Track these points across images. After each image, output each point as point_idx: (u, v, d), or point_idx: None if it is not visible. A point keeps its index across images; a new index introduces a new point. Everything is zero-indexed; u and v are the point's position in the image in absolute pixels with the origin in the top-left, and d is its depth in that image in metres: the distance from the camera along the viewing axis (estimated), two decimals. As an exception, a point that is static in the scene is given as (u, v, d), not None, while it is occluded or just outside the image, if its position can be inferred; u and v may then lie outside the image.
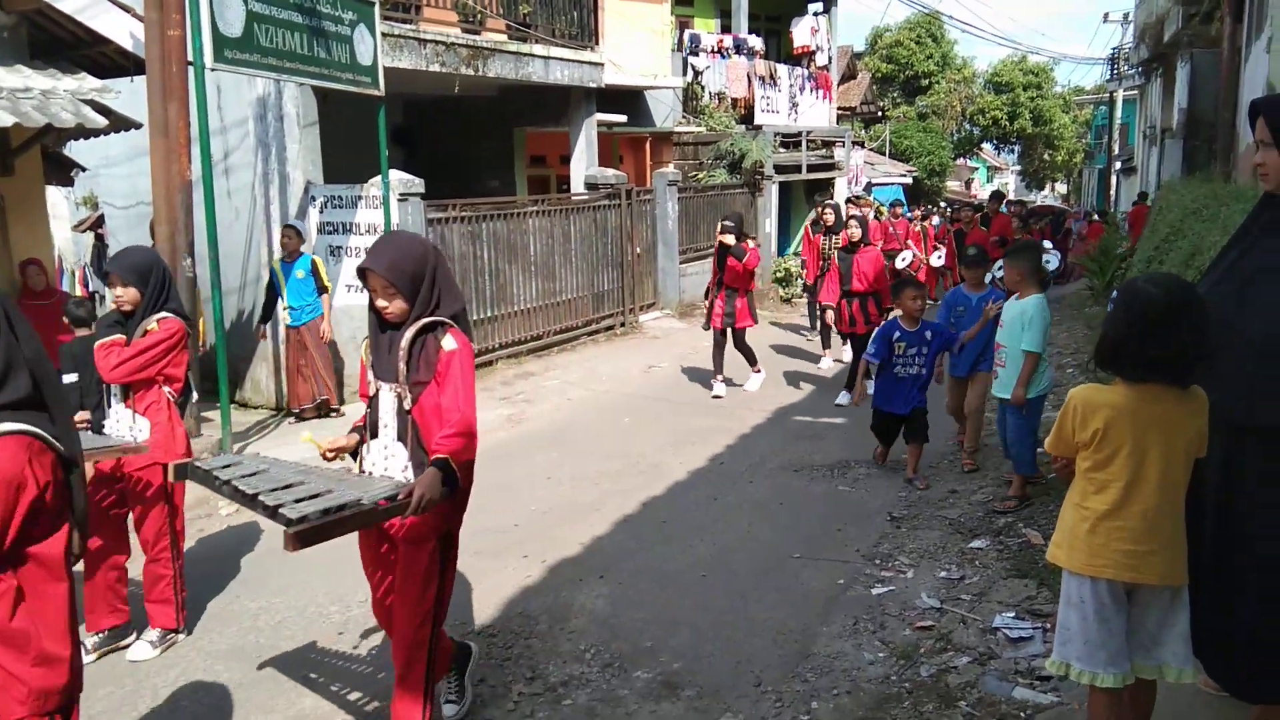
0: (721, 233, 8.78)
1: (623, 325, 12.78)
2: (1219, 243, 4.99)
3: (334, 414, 8.48)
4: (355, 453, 3.30)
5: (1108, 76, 32.10)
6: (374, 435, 3.19)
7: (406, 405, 3.07)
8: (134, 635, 4.26)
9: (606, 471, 6.81)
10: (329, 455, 3.22)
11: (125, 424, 4.12)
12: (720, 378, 9.12)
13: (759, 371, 9.28)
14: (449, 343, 3.05)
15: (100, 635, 4.17)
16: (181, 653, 4.22)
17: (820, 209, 10.36)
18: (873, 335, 7.29)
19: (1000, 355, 5.51)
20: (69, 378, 4.87)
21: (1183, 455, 2.47)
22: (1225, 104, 13.03)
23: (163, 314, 4.09)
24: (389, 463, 3.15)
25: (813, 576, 4.84)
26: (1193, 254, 5.85)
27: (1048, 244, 13.63)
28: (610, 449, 7.38)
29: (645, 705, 3.66)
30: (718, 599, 4.60)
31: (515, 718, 3.62)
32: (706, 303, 9.28)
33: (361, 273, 3.03)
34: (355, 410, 8.47)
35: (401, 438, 3.11)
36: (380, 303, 3.03)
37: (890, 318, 7.30)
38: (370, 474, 3.18)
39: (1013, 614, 4.10)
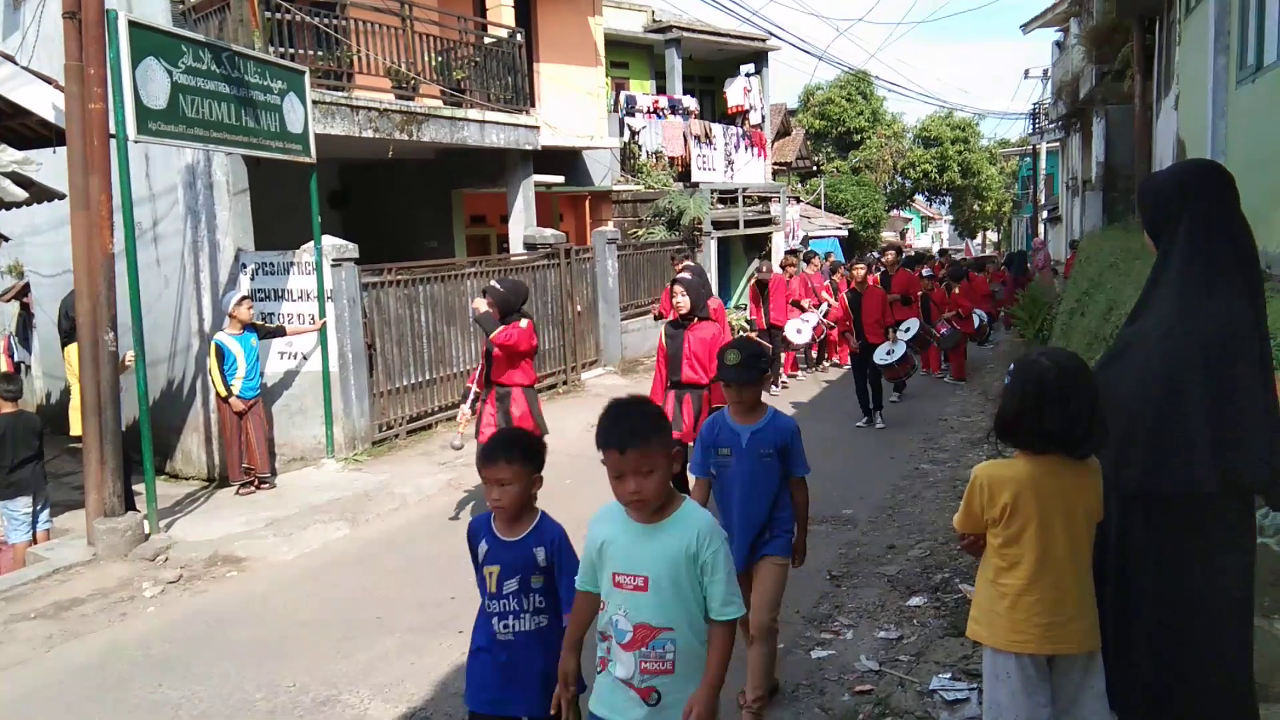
0: (481, 302, 6.53)
1: (565, 384, 12.75)
2: (1133, 297, 5.18)
3: (267, 485, 8.26)
4: None
5: (1030, 130, 33.33)
6: None
7: None
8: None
9: (547, 537, 6.70)
10: None
11: None
12: None
13: None
14: None
15: None
16: (97, 750, 4.03)
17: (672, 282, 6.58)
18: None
19: (665, 646, 2.48)
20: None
21: (1085, 523, 2.53)
22: (1140, 157, 13.61)
23: None
24: None
25: (753, 641, 4.80)
26: (1110, 308, 6.04)
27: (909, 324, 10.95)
28: (552, 512, 7.26)
29: (582, 786, 3.56)
30: (657, 669, 4.53)
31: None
32: (476, 405, 6.75)
33: None
34: (288, 481, 8.33)
35: None
36: None
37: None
38: None
39: (949, 675, 4.10)
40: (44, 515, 7.22)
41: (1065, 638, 2.50)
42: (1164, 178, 2.79)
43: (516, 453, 2.96)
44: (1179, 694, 2.58)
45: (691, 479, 4.02)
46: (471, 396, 6.81)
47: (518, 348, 6.49)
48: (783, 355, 12.83)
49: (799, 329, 12.60)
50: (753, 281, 12.76)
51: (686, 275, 6.99)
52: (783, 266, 13.30)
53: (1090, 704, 2.56)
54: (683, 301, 6.17)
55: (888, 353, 10.13)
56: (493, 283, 6.67)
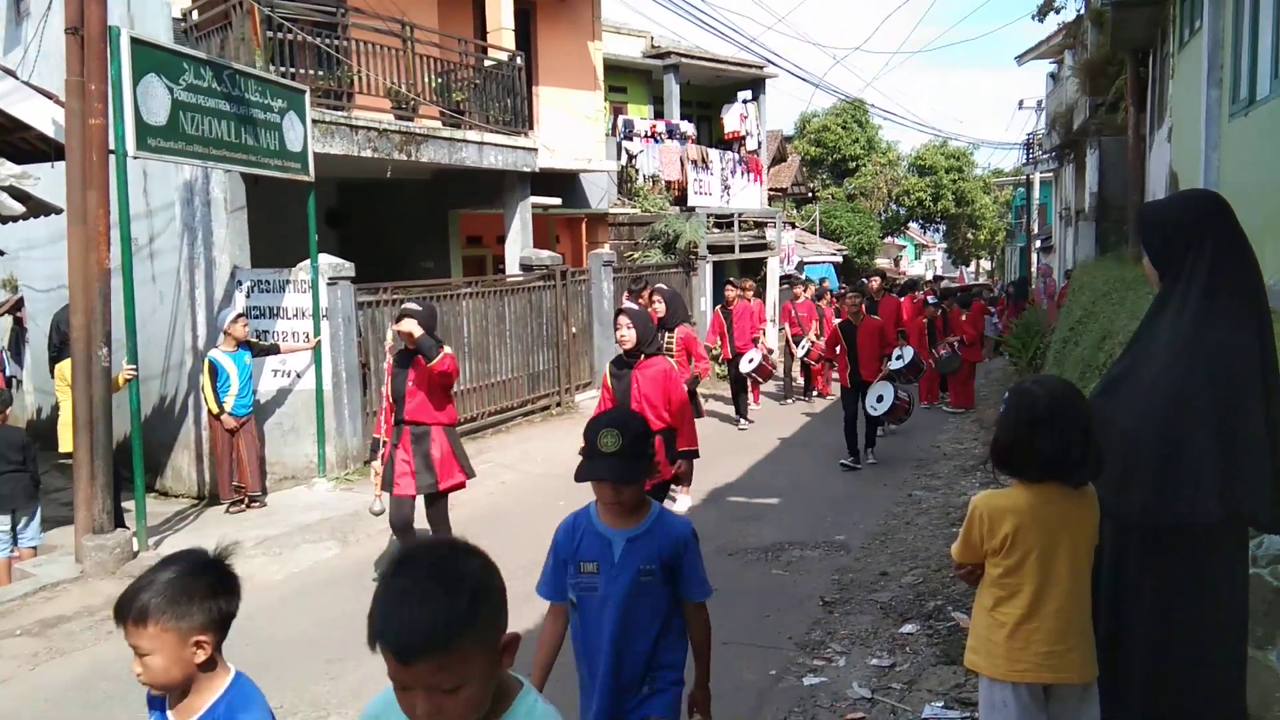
0: (400, 321, 5.56)
1: (558, 405, 12.74)
2: (1127, 327, 5.21)
3: (257, 504, 8.21)
4: None
5: (1024, 160, 33.61)
6: None
7: None
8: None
9: (538, 560, 6.64)
10: None
11: None
12: None
13: None
14: None
15: None
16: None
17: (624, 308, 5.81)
18: None
19: None
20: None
21: (1086, 550, 2.53)
22: (1133, 188, 13.72)
23: None
24: None
25: (745, 666, 4.77)
26: (1103, 337, 6.06)
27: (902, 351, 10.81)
28: (542, 535, 7.13)
29: (571, 813, 3.52)
30: (648, 694, 4.49)
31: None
32: (382, 453, 5.78)
33: None
34: (278, 500, 8.29)
35: None
36: None
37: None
38: None
39: (941, 703, 4.08)
40: (31, 530, 7.12)
41: (1066, 666, 2.49)
42: (1169, 206, 2.79)
43: (161, 605, 1.82)
44: None
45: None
46: (382, 449, 5.75)
47: (452, 373, 5.66)
48: (749, 385, 12.55)
49: (751, 358, 12.31)
50: (717, 308, 12.58)
51: (632, 305, 6.03)
52: (743, 291, 12.86)
53: (1084, 734, 2.55)
54: (627, 335, 5.25)
55: (878, 399, 9.26)
56: (411, 304, 5.69)
